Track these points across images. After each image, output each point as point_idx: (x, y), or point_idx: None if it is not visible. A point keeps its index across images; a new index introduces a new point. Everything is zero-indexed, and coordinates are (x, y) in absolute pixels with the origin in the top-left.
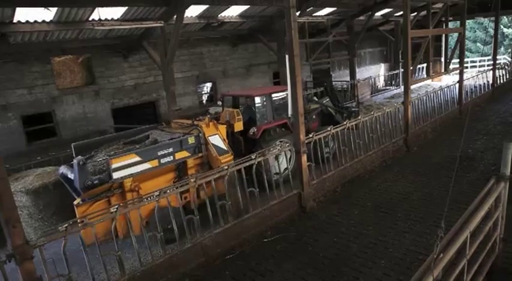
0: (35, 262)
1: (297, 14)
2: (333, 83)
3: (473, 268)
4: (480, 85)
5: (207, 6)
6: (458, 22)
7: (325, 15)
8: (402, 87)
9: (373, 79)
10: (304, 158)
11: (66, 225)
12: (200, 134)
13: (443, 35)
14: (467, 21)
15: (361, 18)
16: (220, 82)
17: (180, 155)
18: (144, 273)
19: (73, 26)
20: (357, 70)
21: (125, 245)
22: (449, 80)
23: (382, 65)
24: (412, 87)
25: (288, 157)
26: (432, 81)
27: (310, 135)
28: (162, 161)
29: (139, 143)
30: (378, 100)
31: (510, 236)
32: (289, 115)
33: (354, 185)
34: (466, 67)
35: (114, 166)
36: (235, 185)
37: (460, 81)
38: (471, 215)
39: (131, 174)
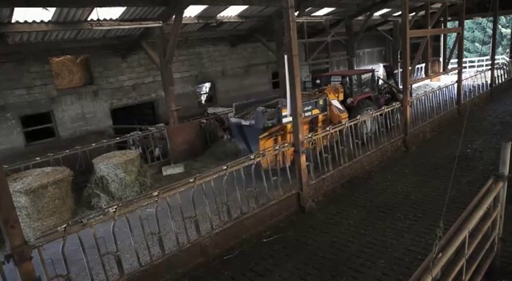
0: (34, 263)
1: (296, 14)
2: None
3: (471, 267)
4: (478, 85)
5: (206, 6)
6: (457, 22)
7: (323, 15)
8: (401, 87)
9: None
10: (303, 158)
11: (65, 225)
12: (326, 98)
13: (442, 35)
14: (466, 21)
15: (360, 18)
16: (219, 82)
17: (314, 111)
18: (143, 273)
19: (71, 26)
20: None
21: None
22: (447, 80)
23: (381, 65)
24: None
25: (371, 121)
26: (431, 81)
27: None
28: (306, 114)
29: (273, 107)
30: None
31: (509, 235)
32: (288, 115)
33: (353, 185)
34: (465, 67)
35: (283, 113)
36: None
37: (459, 81)
38: (470, 214)
39: (290, 121)
